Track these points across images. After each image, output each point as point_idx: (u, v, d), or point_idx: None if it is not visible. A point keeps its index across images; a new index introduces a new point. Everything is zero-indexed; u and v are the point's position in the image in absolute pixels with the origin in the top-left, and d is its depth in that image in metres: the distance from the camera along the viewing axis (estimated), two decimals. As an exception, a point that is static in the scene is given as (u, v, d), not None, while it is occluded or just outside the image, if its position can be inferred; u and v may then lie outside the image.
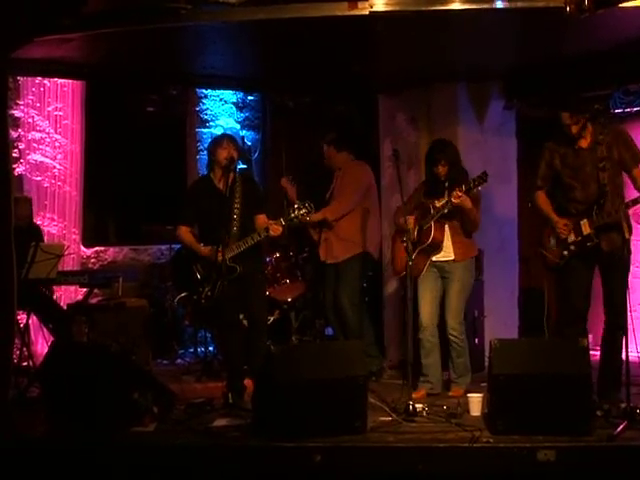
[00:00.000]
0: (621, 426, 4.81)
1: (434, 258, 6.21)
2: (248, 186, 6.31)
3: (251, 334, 6.20)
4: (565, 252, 5.72)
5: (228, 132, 9.37)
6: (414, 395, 5.88)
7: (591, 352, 5.18)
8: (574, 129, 5.60)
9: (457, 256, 6.21)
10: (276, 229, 5.98)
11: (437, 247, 6.16)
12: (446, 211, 6.04)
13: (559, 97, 6.12)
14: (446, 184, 6.14)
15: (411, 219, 6.12)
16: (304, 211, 6.00)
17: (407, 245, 5.81)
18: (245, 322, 6.46)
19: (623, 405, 5.06)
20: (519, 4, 5.31)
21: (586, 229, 5.60)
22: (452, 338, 6.23)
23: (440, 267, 6.24)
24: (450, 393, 6.20)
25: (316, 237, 7.22)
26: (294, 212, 6.02)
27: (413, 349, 5.92)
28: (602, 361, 5.77)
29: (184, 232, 6.37)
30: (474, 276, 6.48)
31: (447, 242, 6.19)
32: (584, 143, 5.66)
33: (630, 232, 5.37)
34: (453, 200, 5.89)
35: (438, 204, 6.14)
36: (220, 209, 6.06)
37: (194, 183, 7.25)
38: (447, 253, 6.21)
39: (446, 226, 6.16)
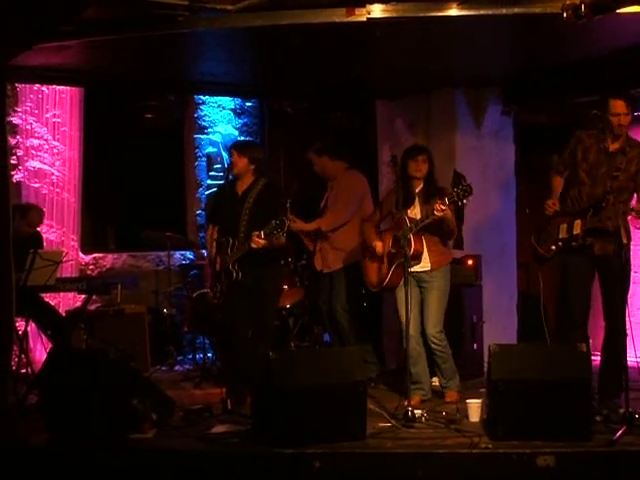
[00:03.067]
0: (620, 431, 4.81)
1: (412, 269, 6.01)
2: (266, 192, 6.23)
3: (255, 342, 6.18)
4: (553, 247, 5.74)
5: (227, 138, 9.41)
6: (448, 399, 6.09)
7: (591, 357, 5.18)
8: (623, 120, 5.50)
9: (433, 265, 6.12)
10: (257, 242, 5.87)
11: (418, 258, 6.05)
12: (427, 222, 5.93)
13: (612, 86, 6.13)
14: (417, 192, 6.12)
15: (379, 245, 6.12)
16: (278, 228, 5.76)
17: (405, 257, 5.77)
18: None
19: (622, 410, 5.06)
20: (516, 10, 5.32)
21: (577, 229, 5.61)
22: (434, 347, 6.18)
23: (418, 277, 6.13)
24: (447, 399, 6.19)
25: (311, 247, 7.21)
26: (269, 228, 5.80)
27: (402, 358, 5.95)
28: (602, 366, 5.78)
29: (210, 231, 6.50)
30: (450, 283, 6.34)
31: (424, 252, 6.10)
32: (612, 146, 5.59)
33: (628, 238, 5.36)
34: (436, 213, 5.78)
35: (411, 214, 6.05)
36: (231, 212, 6.13)
37: (221, 185, 7.29)
38: (424, 263, 6.10)
39: (422, 237, 6.06)
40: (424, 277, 6.14)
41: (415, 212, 6.09)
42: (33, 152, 7.99)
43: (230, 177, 6.32)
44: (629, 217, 5.49)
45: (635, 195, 5.64)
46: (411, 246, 5.95)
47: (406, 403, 5.53)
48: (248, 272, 6.07)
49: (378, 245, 6.15)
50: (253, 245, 5.89)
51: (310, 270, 7.71)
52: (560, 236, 5.70)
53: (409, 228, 5.92)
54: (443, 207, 5.75)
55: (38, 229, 7.55)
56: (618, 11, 4.96)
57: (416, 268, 6.08)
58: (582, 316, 5.76)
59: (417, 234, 6.00)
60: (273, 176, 9.49)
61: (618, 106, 5.51)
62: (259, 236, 5.85)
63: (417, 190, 6.14)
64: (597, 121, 5.49)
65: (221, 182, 8.31)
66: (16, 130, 7.86)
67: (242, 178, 6.24)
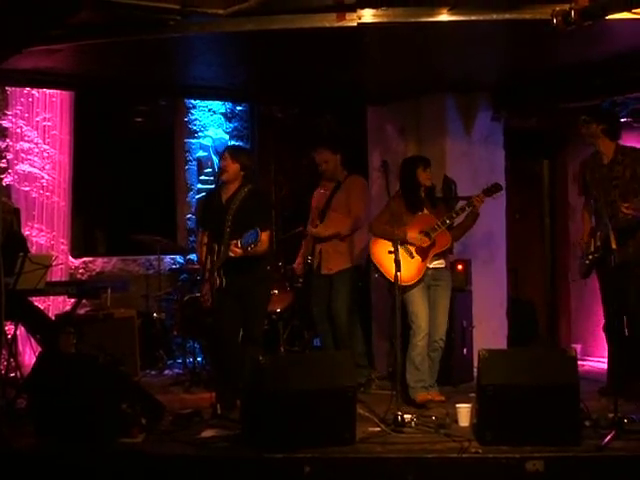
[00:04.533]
0: (609, 436, 4.82)
1: (431, 265, 6.25)
2: (251, 199, 6.18)
3: (245, 348, 6.17)
4: (587, 261, 6.20)
5: (217, 142, 9.40)
6: (429, 397, 6.18)
7: (579, 362, 5.20)
8: (587, 139, 6.09)
9: (446, 263, 6.37)
10: (234, 251, 5.83)
11: (450, 251, 6.39)
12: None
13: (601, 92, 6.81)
14: (422, 195, 6.31)
15: (416, 234, 6.17)
16: (251, 239, 5.71)
17: (396, 256, 5.80)
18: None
19: (611, 415, 5.07)
20: (507, 16, 5.34)
21: (598, 241, 6.03)
22: (441, 344, 6.30)
23: (434, 275, 6.29)
24: (436, 399, 6.25)
25: (307, 247, 7.18)
26: (245, 239, 5.74)
27: (402, 356, 5.97)
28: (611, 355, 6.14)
29: (200, 237, 6.47)
30: None
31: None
32: (606, 159, 6.08)
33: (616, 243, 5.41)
34: (476, 204, 6.13)
35: (430, 213, 6.26)
36: (216, 218, 6.11)
37: (209, 190, 7.27)
38: (442, 260, 6.31)
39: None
40: (438, 275, 6.32)
41: (458, 209, 6.31)
42: (23, 155, 7.96)
43: (220, 182, 6.29)
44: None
45: None
46: (448, 237, 6.22)
47: (424, 398, 6.09)
48: (233, 278, 6.05)
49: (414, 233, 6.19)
50: (231, 254, 5.86)
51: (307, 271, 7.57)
52: (590, 250, 6.16)
53: (443, 221, 6.15)
54: (483, 198, 6.14)
55: (25, 232, 7.53)
56: (607, 18, 4.98)
57: (436, 264, 6.30)
58: (607, 315, 6.18)
59: (444, 230, 6.20)
60: (263, 180, 9.52)
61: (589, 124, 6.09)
62: (236, 245, 5.82)
63: (422, 197, 6.35)
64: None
65: (211, 186, 8.30)
66: (6, 133, 7.85)
67: (229, 184, 6.21)
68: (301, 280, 7.67)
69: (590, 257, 6.15)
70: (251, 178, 6.42)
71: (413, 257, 6.18)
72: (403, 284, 6.22)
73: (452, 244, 6.36)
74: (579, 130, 6.19)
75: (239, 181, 6.21)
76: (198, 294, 7.59)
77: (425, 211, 6.30)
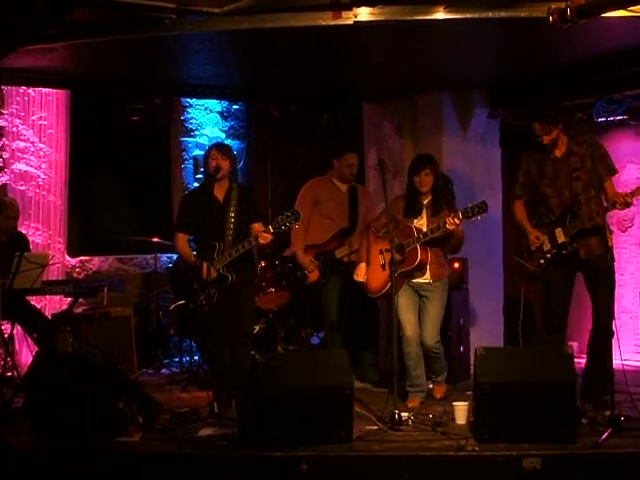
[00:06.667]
0: (606, 433, 4.83)
1: (414, 280, 6.15)
2: (244, 195, 6.30)
3: (235, 345, 6.18)
4: (542, 260, 5.79)
5: (216, 141, 9.39)
6: (410, 405, 6.05)
7: (576, 360, 5.20)
8: (545, 140, 5.66)
9: (433, 277, 6.15)
10: (265, 237, 5.92)
11: (422, 269, 6.11)
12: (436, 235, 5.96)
13: (532, 108, 6.15)
14: (425, 203, 6.16)
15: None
16: (292, 219, 5.92)
17: (392, 258, 5.78)
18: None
19: (608, 413, 5.08)
20: (502, 14, 5.34)
21: (560, 237, 5.68)
22: (433, 353, 6.25)
23: (418, 287, 6.20)
24: (437, 395, 6.28)
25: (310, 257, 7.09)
26: (282, 220, 5.89)
27: (399, 361, 5.95)
28: (588, 365, 5.83)
29: (180, 239, 6.38)
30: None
31: (428, 264, 6.14)
32: (558, 152, 5.73)
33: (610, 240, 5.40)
34: (448, 226, 5.83)
35: (417, 224, 6.10)
36: (215, 217, 6.10)
37: (191, 191, 7.23)
38: (426, 275, 6.15)
39: (427, 248, 6.07)
40: (426, 287, 6.18)
41: (421, 223, 6.13)
42: (19, 155, 7.95)
43: (211, 180, 6.22)
44: (613, 215, 5.56)
45: (606, 188, 5.69)
46: (416, 256, 6.00)
47: (410, 405, 5.93)
48: (238, 274, 6.10)
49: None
50: (261, 241, 5.95)
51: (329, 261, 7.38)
52: (546, 249, 5.76)
53: (417, 238, 5.99)
54: (457, 221, 5.81)
55: (23, 231, 7.53)
56: (603, 15, 4.98)
57: (417, 279, 6.16)
58: (561, 323, 5.88)
59: (423, 245, 6.02)
60: (259, 179, 9.52)
61: (536, 129, 5.66)
62: (266, 231, 5.91)
63: (425, 202, 6.19)
64: (582, 125, 5.58)
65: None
66: (2, 132, 7.83)
67: (221, 182, 6.22)
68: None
69: (548, 255, 5.73)
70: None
71: (385, 269, 6.15)
72: (372, 295, 6.33)
73: (423, 263, 6.03)
74: (541, 128, 5.66)
75: (228, 178, 6.25)
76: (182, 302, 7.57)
77: (422, 216, 6.14)
